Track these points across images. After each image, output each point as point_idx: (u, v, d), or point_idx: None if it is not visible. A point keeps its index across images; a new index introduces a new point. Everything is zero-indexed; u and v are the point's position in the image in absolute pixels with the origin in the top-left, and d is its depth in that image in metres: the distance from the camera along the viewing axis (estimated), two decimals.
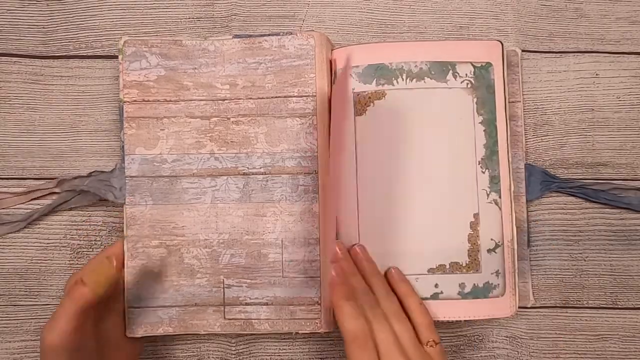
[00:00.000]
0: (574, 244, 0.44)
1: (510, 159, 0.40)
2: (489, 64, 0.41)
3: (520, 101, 0.44)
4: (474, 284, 0.40)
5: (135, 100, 0.40)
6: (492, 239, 0.40)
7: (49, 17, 0.44)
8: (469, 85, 0.41)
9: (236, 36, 0.41)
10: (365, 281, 0.38)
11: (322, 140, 0.40)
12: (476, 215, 0.40)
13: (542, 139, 0.45)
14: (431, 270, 0.40)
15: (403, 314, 0.37)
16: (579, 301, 0.44)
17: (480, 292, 0.40)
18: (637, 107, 0.45)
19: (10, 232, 0.42)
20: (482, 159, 0.40)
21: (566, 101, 0.45)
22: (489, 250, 0.40)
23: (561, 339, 0.44)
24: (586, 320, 0.44)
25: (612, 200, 0.43)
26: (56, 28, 0.44)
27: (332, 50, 0.42)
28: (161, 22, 0.44)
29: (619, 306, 0.44)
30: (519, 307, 0.40)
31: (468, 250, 0.40)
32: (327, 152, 0.40)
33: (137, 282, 0.40)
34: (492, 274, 0.40)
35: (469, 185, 0.40)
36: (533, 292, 0.43)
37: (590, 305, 0.44)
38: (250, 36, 0.41)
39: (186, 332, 0.40)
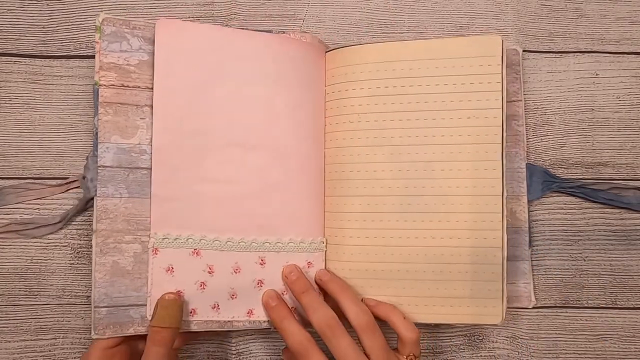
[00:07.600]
0: (574, 244, 0.44)
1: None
2: None
3: (521, 100, 0.44)
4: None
5: (113, 85, 0.37)
6: None
7: (49, 17, 0.44)
8: None
9: None
10: (335, 299, 0.38)
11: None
12: None
13: (542, 139, 0.45)
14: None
15: (375, 326, 0.36)
16: (579, 301, 0.44)
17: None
18: (637, 107, 0.45)
19: (50, 233, 0.42)
20: None
21: (566, 101, 0.45)
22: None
23: (561, 339, 0.44)
24: (586, 320, 0.44)
25: (611, 200, 0.43)
26: (56, 28, 0.44)
27: (325, 52, 0.42)
28: None
29: (619, 306, 0.44)
30: (520, 308, 0.40)
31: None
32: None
33: (106, 280, 0.37)
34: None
35: None
36: (535, 293, 0.43)
37: (590, 305, 0.44)
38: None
39: None
